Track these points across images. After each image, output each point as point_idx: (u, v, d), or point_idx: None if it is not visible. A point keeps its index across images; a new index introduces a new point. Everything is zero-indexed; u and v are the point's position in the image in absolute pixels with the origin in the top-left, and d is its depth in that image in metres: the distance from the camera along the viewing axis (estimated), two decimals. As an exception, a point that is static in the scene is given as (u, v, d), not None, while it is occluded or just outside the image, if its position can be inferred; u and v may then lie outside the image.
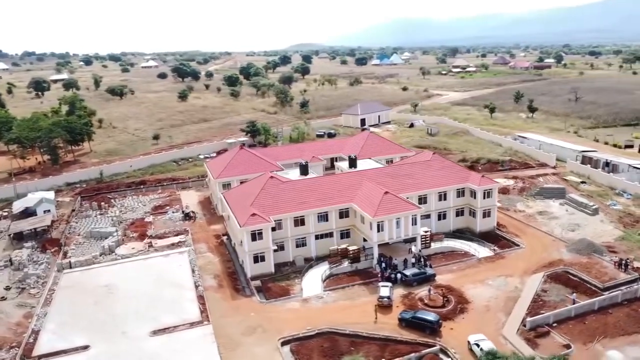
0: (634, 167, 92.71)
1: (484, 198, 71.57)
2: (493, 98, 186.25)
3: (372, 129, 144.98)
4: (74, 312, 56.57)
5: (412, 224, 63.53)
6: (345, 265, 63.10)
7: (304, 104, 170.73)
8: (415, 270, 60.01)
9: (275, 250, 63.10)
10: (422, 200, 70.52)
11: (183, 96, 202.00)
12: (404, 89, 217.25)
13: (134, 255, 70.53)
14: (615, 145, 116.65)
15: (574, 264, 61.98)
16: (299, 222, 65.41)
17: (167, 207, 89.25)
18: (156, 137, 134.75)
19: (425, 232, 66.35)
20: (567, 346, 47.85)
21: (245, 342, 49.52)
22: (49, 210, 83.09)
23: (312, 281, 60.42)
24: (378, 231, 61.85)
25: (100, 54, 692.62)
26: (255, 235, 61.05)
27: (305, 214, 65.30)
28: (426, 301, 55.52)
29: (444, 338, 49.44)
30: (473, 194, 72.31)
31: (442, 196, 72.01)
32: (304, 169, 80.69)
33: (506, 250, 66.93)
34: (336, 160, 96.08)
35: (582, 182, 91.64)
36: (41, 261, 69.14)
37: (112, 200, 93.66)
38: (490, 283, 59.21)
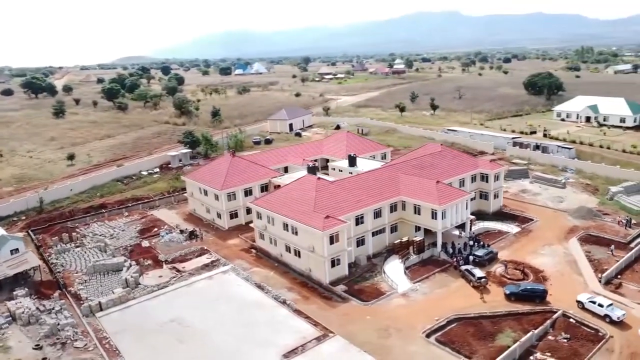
0: (562, 147, 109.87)
1: (495, 181, 78.39)
2: (387, 99, 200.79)
3: (303, 133, 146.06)
4: (163, 357, 47.43)
5: (466, 209, 67.01)
6: (414, 257, 63.65)
7: (215, 113, 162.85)
8: (484, 250, 63.49)
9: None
10: (448, 188, 74.33)
11: (59, 112, 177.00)
12: (297, 94, 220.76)
13: (170, 284, 61.23)
14: (522, 133, 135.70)
15: (589, 228, 71.80)
16: (359, 220, 64.07)
17: (156, 229, 78.73)
18: (71, 158, 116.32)
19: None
20: (645, 291, 55.89)
21: (391, 345, 47.35)
22: (17, 249, 66.96)
23: (394, 277, 59.66)
24: (442, 219, 63.90)
25: None
26: (333, 239, 58.18)
27: (365, 211, 64.23)
28: (508, 276, 59.37)
29: (552, 304, 53.59)
30: (484, 178, 78.63)
31: (462, 182, 76.84)
32: (312, 171, 78.62)
33: (528, 224, 74.26)
34: (315, 162, 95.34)
35: (528, 163, 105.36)
36: (55, 309, 55.90)
37: (77, 230, 79.11)
38: (542, 253, 65.45)
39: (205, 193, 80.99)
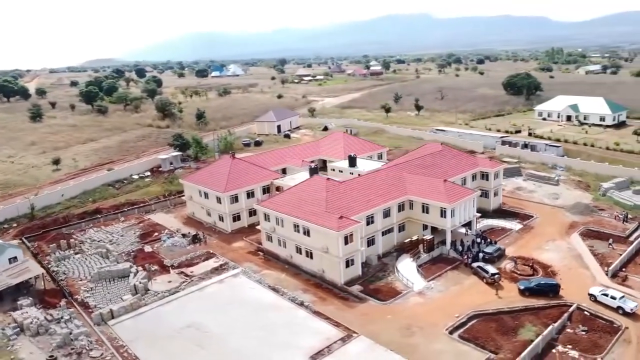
0: (550, 146, 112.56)
1: (494, 179, 79.66)
2: (370, 100, 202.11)
3: (292, 134, 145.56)
4: (185, 362, 46.50)
5: (472, 207, 67.88)
6: (424, 255, 64.04)
7: (200, 116, 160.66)
8: (494, 247, 64.42)
9: (358, 252, 60.78)
10: (451, 186, 75.09)
11: (36, 116, 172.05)
12: (279, 96, 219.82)
13: (181, 289, 60.01)
14: (507, 132, 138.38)
15: (588, 223, 73.66)
16: (370, 220, 64.10)
17: (156, 234, 77.17)
18: (57, 162, 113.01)
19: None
20: (650, 283, 57.64)
21: (416, 343, 47.48)
22: (15, 258, 64.52)
23: (408, 275, 59.86)
24: (451, 217, 64.55)
25: None
26: (347, 239, 58.05)
27: (375, 211, 64.34)
28: (518, 272, 60.38)
29: (565, 297, 54.65)
30: (484, 176, 79.80)
31: (463, 181, 77.73)
32: (315, 172, 78.37)
33: (529, 221, 75.67)
34: (312, 163, 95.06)
35: (519, 162, 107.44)
36: (63, 318, 54.03)
37: (74, 236, 76.87)
38: (547, 248, 66.79)
39: (206, 196, 79.74)
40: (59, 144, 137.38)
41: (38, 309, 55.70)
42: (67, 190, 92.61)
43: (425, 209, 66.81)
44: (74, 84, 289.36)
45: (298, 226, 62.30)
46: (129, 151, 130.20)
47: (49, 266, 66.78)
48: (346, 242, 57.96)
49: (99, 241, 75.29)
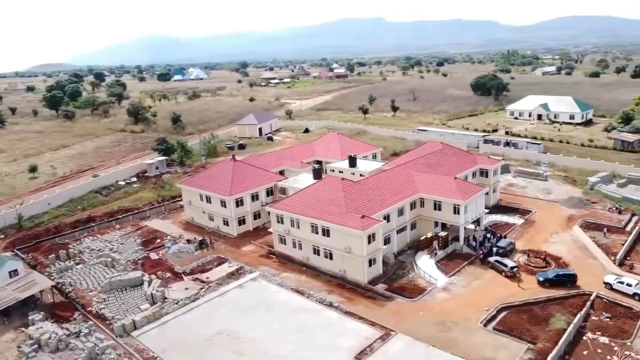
0: (531, 143, 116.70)
1: (493, 175, 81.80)
2: (343, 102, 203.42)
3: (274, 137, 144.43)
4: (225, 369, 45.11)
5: (481, 204, 69.39)
6: (440, 252, 64.89)
7: (176, 120, 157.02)
8: (506, 241, 66.04)
9: (378, 251, 60.90)
10: (455, 184, 76.47)
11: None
12: (251, 99, 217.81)
13: (201, 295, 58.27)
14: (484, 131, 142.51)
15: (584, 215, 76.77)
16: (386, 219, 64.33)
17: (158, 241, 74.69)
18: (33, 170, 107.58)
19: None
20: (656, 270, 60.67)
21: (455, 337, 47.94)
22: (15, 271, 60.74)
23: (430, 272, 60.40)
24: (464, 213, 65.77)
25: None
26: (369, 238, 58.10)
27: (391, 210, 64.69)
28: (532, 264, 62.20)
29: (582, 287, 56.72)
30: (483, 173, 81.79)
31: (465, 178, 79.25)
32: (317, 173, 78.19)
33: (529, 216, 78.06)
34: (314, 164, 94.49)
35: (503, 159, 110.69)
36: (82, 331, 51.33)
37: (70, 246, 73.25)
38: (553, 241, 69.07)
39: (208, 200, 77.87)
40: (29, 151, 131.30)
41: (52, 324, 52.69)
42: (53, 198, 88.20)
43: (437, 206, 67.77)
44: (30, 89, 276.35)
45: (316, 227, 61.78)
46: (107, 157, 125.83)
47: (52, 278, 63.26)
48: (369, 242, 57.98)
49: (99, 250, 72.11)
